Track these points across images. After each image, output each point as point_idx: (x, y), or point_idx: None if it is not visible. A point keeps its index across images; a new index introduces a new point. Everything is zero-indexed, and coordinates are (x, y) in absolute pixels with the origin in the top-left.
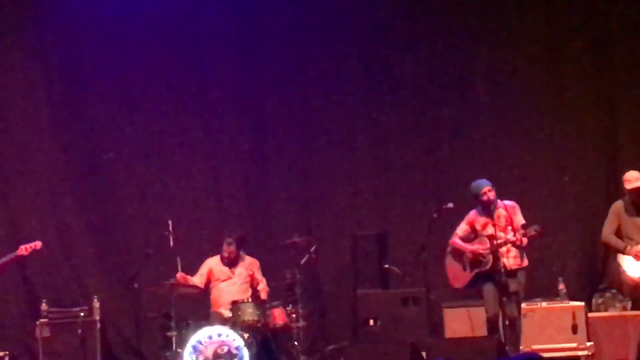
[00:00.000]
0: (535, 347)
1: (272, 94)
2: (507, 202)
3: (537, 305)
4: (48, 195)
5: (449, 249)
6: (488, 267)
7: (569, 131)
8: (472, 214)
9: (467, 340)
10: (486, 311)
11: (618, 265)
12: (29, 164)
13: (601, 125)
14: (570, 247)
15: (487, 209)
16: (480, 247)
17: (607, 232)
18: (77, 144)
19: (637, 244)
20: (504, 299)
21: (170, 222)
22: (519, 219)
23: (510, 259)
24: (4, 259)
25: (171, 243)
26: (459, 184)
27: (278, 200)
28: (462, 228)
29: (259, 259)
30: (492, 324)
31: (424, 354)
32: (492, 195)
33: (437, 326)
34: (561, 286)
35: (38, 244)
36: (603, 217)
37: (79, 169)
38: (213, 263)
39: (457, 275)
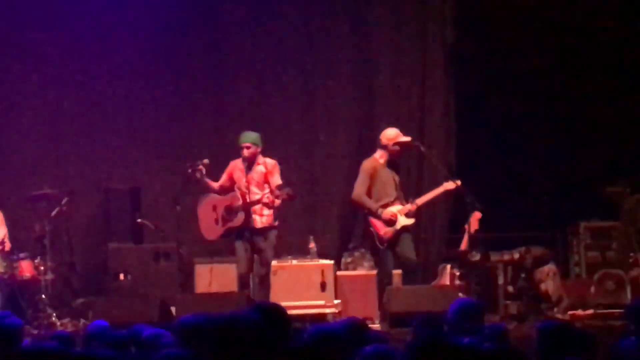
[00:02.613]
0: (284, 303)
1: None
2: (268, 159)
3: (287, 262)
4: None
5: (204, 198)
6: (239, 223)
7: (326, 90)
8: (233, 163)
9: (217, 296)
10: (237, 268)
11: (368, 225)
12: None
13: (357, 85)
14: (322, 206)
15: (246, 163)
16: (233, 201)
17: (360, 192)
18: None
19: (391, 201)
20: (255, 256)
21: None
22: (276, 179)
23: (264, 217)
24: None
25: None
26: (214, 139)
27: (28, 150)
28: (222, 178)
29: (7, 209)
30: (243, 281)
31: (173, 309)
32: (247, 152)
33: (187, 282)
34: (312, 244)
35: None
36: (354, 176)
37: None
38: None
39: (211, 227)
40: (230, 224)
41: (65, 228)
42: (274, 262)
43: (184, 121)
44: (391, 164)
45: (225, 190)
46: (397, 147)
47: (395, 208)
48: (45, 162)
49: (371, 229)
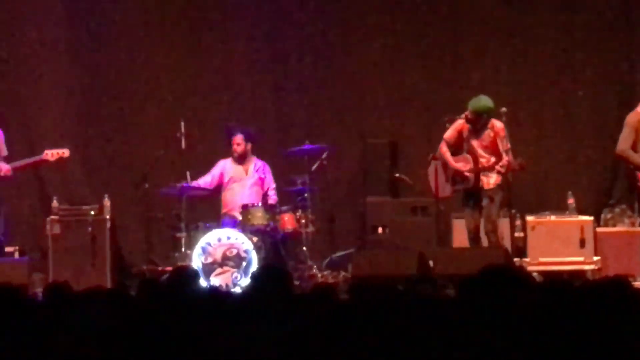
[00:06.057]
0: (542, 259)
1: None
2: (497, 122)
3: (545, 218)
4: (60, 95)
5: (436, 155)
6: (469, 186)
7: (586, 44)
8: (462, 122)
9: (475, 251)
10: (466, 224)
11: (635, 180)
12: (43, 64)
13: (615, 39)
14: (581, 162)
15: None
16: (463, 166)
17: (624, 147)
18: (87, 41)
19: None
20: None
21: (182, 122)
22: (505, 144)
23: (491, 178)
24: (27, 160)
25: (183, 144)
26: (471, 95)
27: (291, 105)
28: (449, 134)
29: (270, 164)
30: (472, 236)
31: (431, 262)
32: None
33: (445, 236)
34: (570, 200)
35: (66, 152)
36: (615, 132)
37: (90, 68)
38: (226, 164)
39: (442, 185)
40: (459, 186)
41: (325, 181)
42: (531, 218)
43: (436, 75)
44: None
45: (453, 145)
46: None
47: None
48: (305, 117)
49: (639, 183)
